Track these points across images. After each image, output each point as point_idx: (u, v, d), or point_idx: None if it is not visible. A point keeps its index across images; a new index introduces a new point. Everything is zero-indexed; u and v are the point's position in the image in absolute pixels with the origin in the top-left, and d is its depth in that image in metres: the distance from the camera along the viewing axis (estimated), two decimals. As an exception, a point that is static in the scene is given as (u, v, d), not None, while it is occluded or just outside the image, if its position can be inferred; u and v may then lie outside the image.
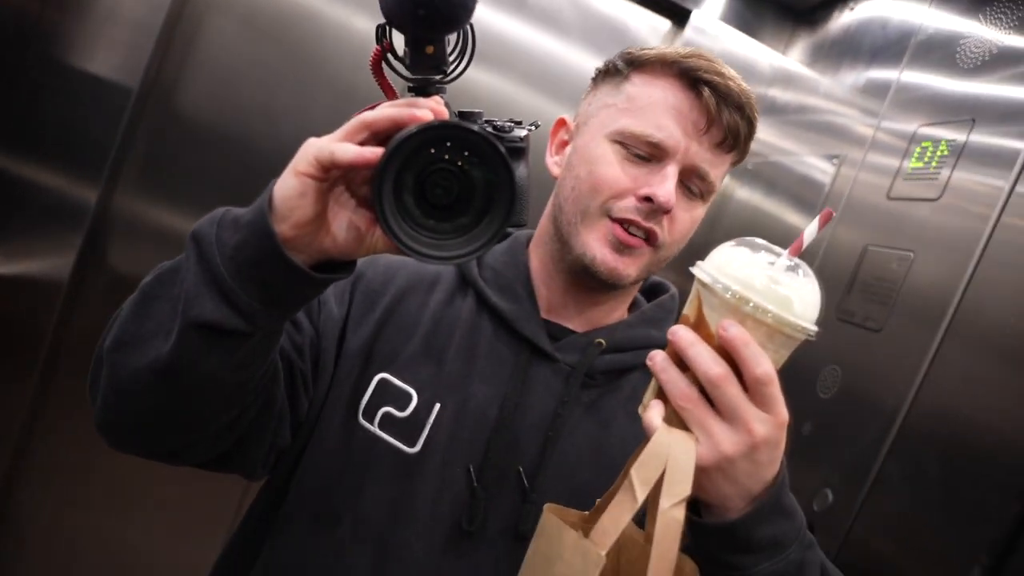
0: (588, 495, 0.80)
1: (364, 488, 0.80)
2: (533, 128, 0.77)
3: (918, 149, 1.36)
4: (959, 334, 1.17)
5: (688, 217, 0.84)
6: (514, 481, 0.81)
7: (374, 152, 0.57)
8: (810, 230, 0.62)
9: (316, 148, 0.58)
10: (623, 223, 0.81)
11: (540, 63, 2.02)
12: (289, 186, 0.59)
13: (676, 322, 0.95)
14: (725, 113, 0.80)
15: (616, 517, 0.57)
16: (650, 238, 0.81)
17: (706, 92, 0.79)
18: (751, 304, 0.57)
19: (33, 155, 1.77)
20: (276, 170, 0.60)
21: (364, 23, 1.92)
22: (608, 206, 0.81)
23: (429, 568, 0.79)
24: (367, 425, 0.82)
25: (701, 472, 0.57)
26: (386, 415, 0.82)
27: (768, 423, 0.57)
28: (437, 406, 0.82)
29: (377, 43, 0.64)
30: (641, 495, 0.56)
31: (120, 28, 1.75)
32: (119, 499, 1.97)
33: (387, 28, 0.63)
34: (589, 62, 2.01)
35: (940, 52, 1.41)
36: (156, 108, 1.85)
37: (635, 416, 0.86)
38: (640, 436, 0.84)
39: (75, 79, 1.76)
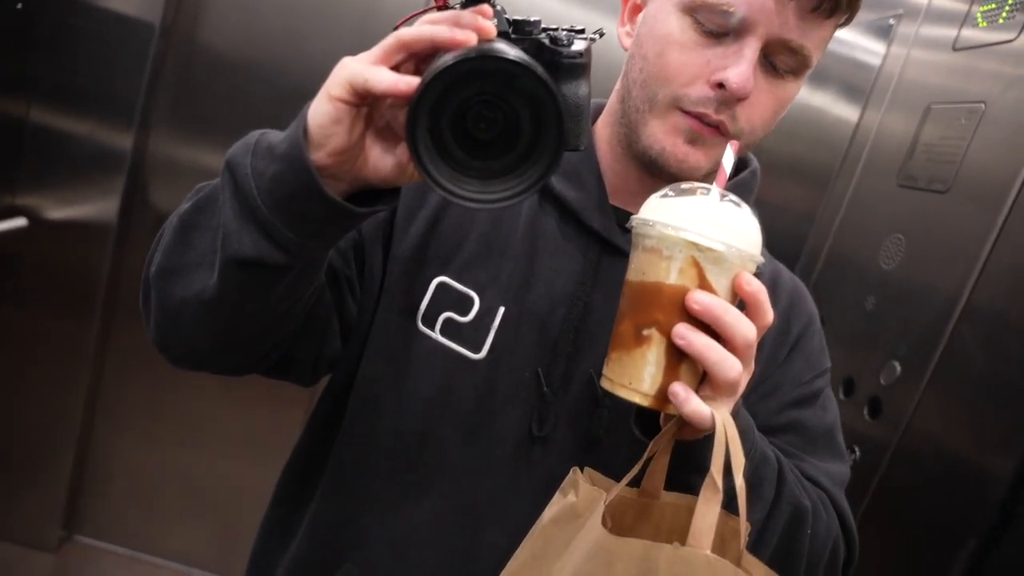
0: None
1: (429, 398, 0.77)
2: (597, 37, 0.68)
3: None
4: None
5: (772, 99, 0.73)
6: (585, 386, 0.77)
7: (409, 84, 0.52)
8: (727, 158, 0.62)
9: (350, 72, 0.53)
10: (696, 116, 0.71)
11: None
12: (323, 112, 0.54)
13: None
14: None
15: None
16: (721, 129, 0.71)
17: None
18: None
19: (66, 103, 1.78)
20: (307, 94, 0.56)
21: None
22: (678, 95, 0.71)
23: (501, 476, 0.77)
24: (428, 331, 0.77)
25: None
26: (448, 321, 0.77)
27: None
28: (502, 309, 0.77)
29: None
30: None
31: (135, -39, 1.73)
32: (189, 430, 2.05)
33: None
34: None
35: None
36: (180, 42, 1.83)
37: None
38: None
39: (97, 18, 1.75)
